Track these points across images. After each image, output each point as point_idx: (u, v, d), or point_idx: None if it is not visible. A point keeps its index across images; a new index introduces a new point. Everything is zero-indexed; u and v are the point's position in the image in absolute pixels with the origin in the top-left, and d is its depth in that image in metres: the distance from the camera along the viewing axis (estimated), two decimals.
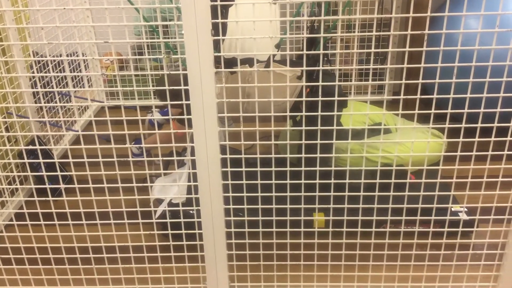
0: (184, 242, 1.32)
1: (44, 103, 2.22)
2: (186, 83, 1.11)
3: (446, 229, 1.30)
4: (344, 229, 1.29)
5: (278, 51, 1.60)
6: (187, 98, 1.13)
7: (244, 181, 1.23)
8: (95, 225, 1.30)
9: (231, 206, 1.26)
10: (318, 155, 1.23)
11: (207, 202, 1.25)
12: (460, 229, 1.32)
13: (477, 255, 1.35)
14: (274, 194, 1.24)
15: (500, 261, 1.32)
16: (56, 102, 2.18)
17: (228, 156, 1.20)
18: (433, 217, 1.28)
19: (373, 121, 2.18)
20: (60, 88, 2.34)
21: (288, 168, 1.22)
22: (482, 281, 1.39)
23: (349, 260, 1.33)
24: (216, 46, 1.12)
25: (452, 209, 1.72)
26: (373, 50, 1.08)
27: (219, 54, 1.09)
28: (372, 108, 2.33)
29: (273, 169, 1.20)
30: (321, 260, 1.33)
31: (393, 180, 1.22)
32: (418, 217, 1.27)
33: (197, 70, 1.09)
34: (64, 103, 2.46)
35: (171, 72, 1.14)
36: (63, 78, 2.37)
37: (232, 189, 1.24)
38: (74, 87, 2.59)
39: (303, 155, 1.20)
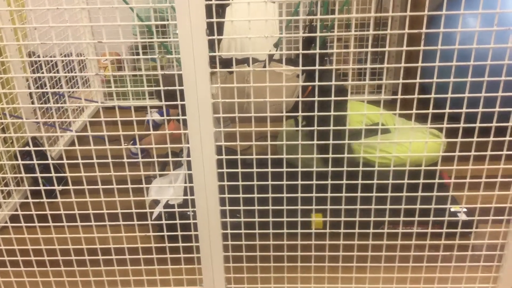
0: (180, 244, 1.30)
1: (41, 103, 2.21)
2: (182, 83, 1.10)
3: (444, 230, 1.28)
4: (342, 230, 1.27)
5: (277, 50, 1.59)
6: (184, 98, 1.11)
7: (240, 183, 1.22)
8: (90, 226, 1.29)
9: (227, 208, 1.25)
10: (315, 155, 1.22)
11: (202, 204, 1.24)
12: (459, 230, 1.30)
13: (476, 256, 1.34)
14: (270, 195, 1.23)
15: (499, 262, 1.31)
16: (51, 103, 2.17)
17: (224, 157, 1.19)
18: (431, 218, 1.27)
19: (372, 121, 2.17)
20: (57, 89, 2.32)
21: (284, 169, 1.21)
22: (481, 283, 1.37)
23: (346, 261, 1.31)
24: (213, 46, 1.10)
25: (451, 210, 1.71)
26: (370, 49, 1.07)
27: (214, 54, 1.07)
28: (371, 108, 2.32)
29: (269, 170, 1.19)
30: (319, 261, 1.32)
31: (387, 180, 1.20)
32: (417, 218, 1.26)
33: (192, 70, 1.08)
34: (59, 103, 2.44)
35: (166, 73, 1.13)
36: (60, 79, 2.35)
37: (229, 190, 1.23)
38: (68, 88, 2.58)
39: (299, 155, 1.18)
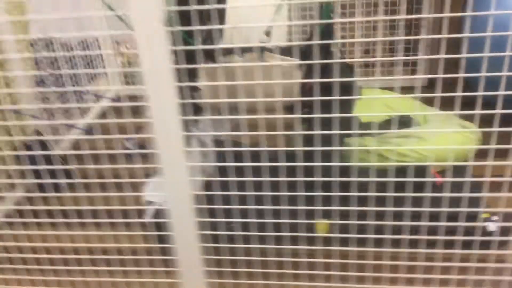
0: (157, 257, 1.19)
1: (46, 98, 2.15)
2: None
3: (460, 252, 1.09)
4: (341, 235, 1.11)
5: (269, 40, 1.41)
6: None
7: (219, 192, 1.08)
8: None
9: (205, 219, 1.11)
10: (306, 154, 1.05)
11: (176, 214, 1.11)
12: (489, 238, 1.09)
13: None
14: (253, 206, 1.09)
15: None
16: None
17: (196, 164, 1.06)
18: (444, 237, 1.07)
19: (394, 110, 1.93)
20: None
21: (270, 177, 1.06)
22: None
23: (344, 270, 1.15)
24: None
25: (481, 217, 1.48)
26: (359, 39, 0.89)
27: (176, 48, 0.93)
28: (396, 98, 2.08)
29: (251, 179, 1.05)
30: (311, 277, 1.17)
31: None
32: (426, 237, 1.07)
33: (151, 68, 0.94)
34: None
35: (126, 70, 1.00)
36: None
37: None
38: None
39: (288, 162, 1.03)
